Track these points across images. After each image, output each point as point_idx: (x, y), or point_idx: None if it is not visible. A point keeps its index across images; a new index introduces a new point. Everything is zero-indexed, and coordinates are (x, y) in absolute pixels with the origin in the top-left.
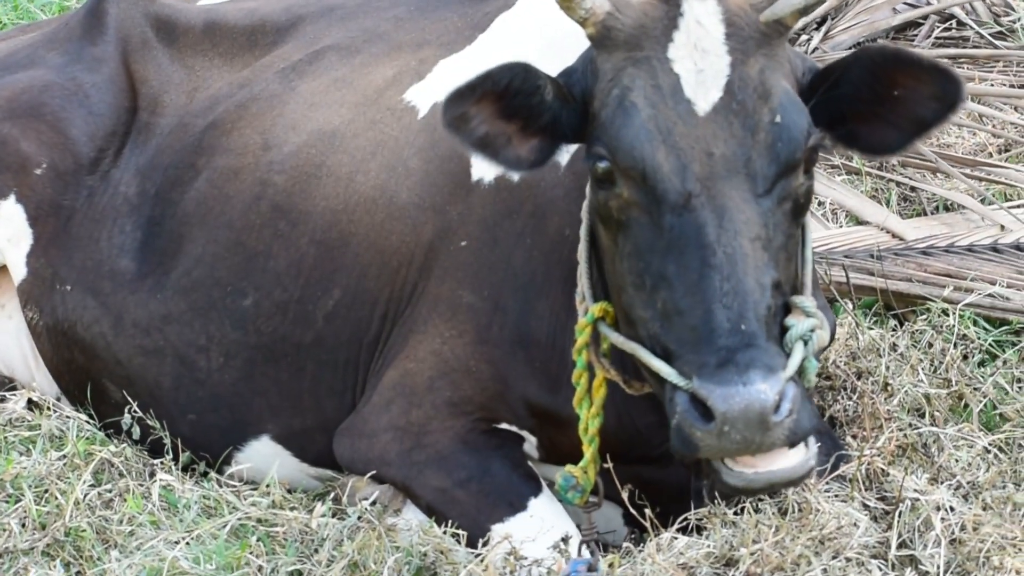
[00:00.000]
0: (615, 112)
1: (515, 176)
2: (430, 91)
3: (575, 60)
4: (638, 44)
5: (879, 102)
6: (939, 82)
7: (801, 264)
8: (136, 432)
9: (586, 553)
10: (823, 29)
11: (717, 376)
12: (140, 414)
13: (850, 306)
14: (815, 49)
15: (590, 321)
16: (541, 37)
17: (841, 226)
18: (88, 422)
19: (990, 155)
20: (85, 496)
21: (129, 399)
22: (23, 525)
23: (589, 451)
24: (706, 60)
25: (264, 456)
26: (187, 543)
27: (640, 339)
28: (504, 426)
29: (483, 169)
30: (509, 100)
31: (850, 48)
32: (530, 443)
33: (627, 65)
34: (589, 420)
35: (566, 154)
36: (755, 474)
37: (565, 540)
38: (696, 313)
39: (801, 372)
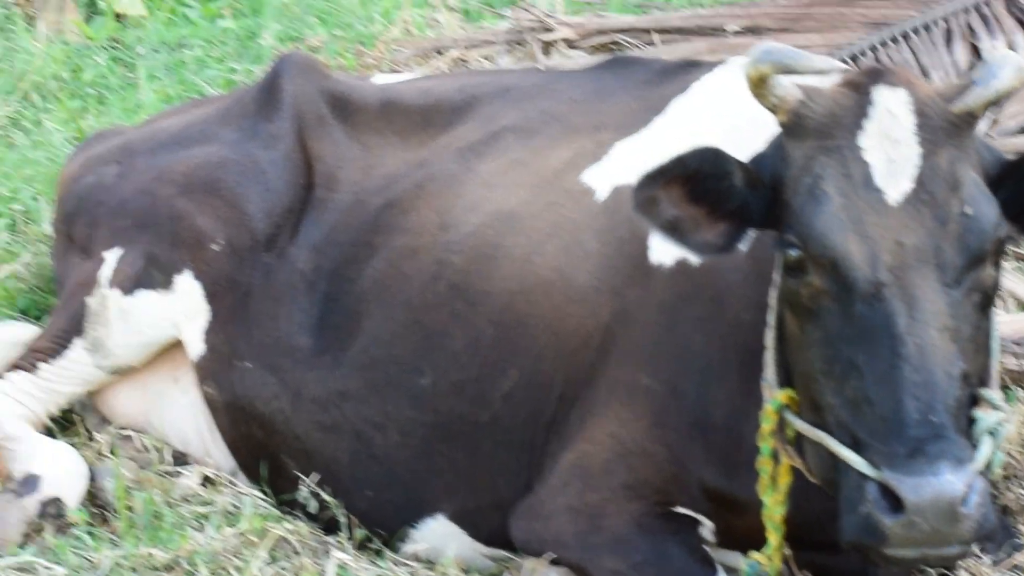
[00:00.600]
0: (806, 200)
1: (694, 260)
2: (608, 173)
3: (765, 146)
4: (829, 133)
5: None
6: None
7: (987, 356)
8: (313, 506)
9: None
10: (990, 115)
11: (907, 467)
12: (316, 489)
13: (1022, 394)
14: (983, 135)
15: (776, 408)
16: (718, 122)
17: (1010, 313)
18: (263, 498)
19: None
20: (260, 574)
21: (306, 474)
22: None
23: (775, 538)
24: (897, 150)
25: (439, 535)
26: None
27: (827, 427)
28: (681, 510)
29: (662, 253)
30: (699, 184)
31: (1017, 133)
32: (706, 527)
33: (818, 153)
34: (774, 507)
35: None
36: None
37: None
38: (886, 403)
39: (987, 466)
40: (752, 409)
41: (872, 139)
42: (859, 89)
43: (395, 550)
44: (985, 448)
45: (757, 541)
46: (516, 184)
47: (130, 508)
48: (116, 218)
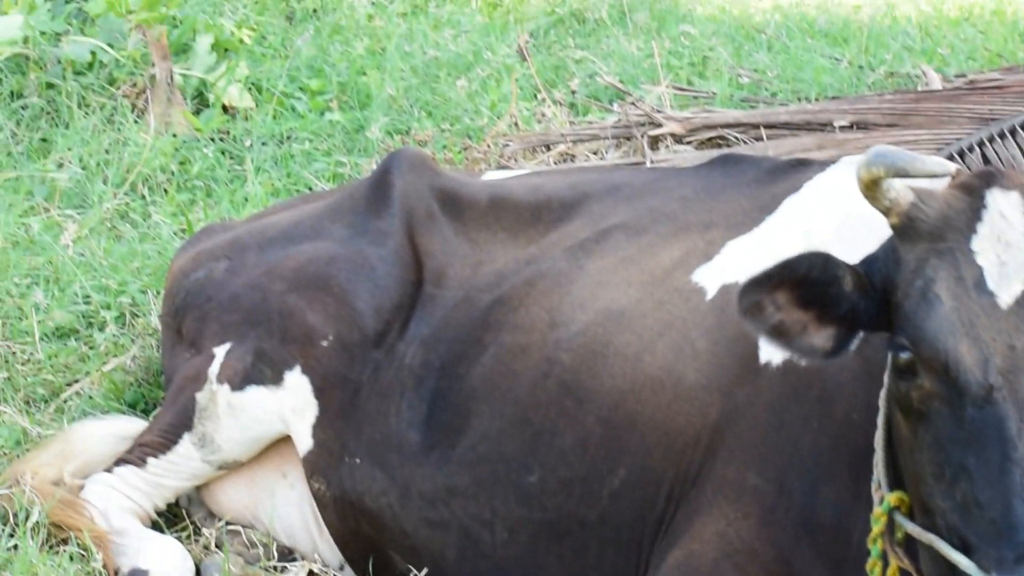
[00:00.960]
0: (918, 303)
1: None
2: (718, 272)
3: (876, 248)
4: (941, 235)
5: None
6: None
7: None
8: None
9: None
10: None
11: (1015, 571)
12: None
13: None
14: None
15: (886, 510)
16: (829, 222)
17: None
18: None
19: None
20: None
21: (414, 569)
22: None
23: None
24: (1009, 253)
25: None
26: None
27: (937, 530)
28: None
29: (771, 352)
30: (807, 289)
31: None
32: None
33: (930, 256)
34: None
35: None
36: None
37: None
38: (996, 507)
39: None
40: (860, 510)
41: (985, 242)
42: (972, 192)
43: None
44: None
45: None
46: (626, 282)
47: None
48: (226, 313)
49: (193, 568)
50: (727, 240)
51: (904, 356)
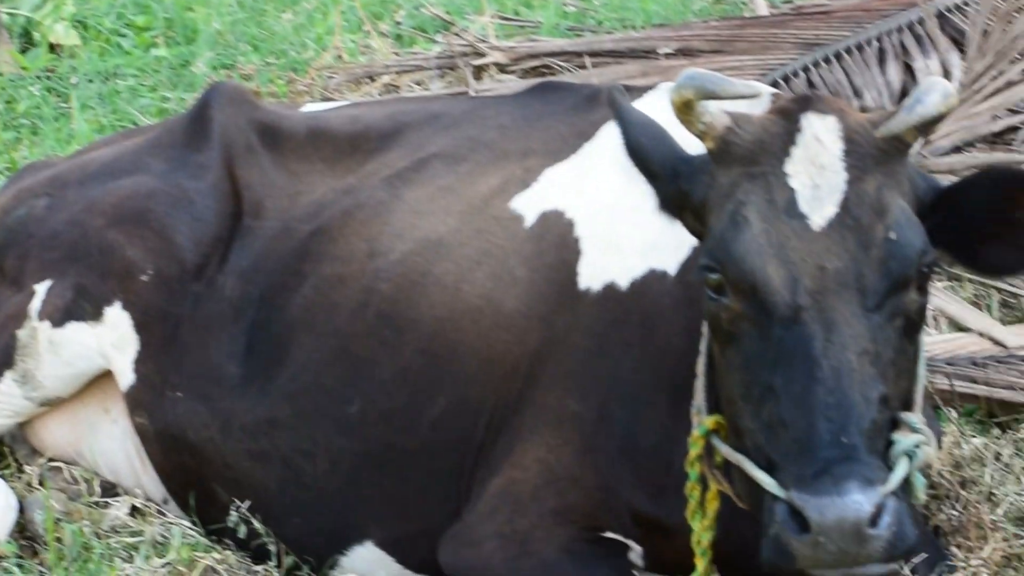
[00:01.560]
0: (728, 225)
1: (623, 285)
2: (536, 200)
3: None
4: (755, 160)
5: (1001, 223)
6: None
7: (912, 380)
8: (243, 532)
9: None
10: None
11: (813, 487)
12: (247, 515)
13: (954, 414)
14: (916, 154)
15: (703, 434)
16: None
17: (943, 333)
18: (191, 528)
19: None
20: None
21: (237, 501)
22: None
23: (702, 564)
24: (823, 176)
25: (368, 562)
26: None
27: (746, 451)
28: (610, 535)
29: (590, 278)
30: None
31: (949, 152)
32: (635, 552)
33: (743, 180)
34: (702, 533)
35: (674, 264)
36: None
37: None
38: (799, 426)
39: (909, 489)
40: (682, 435)
41: (798, 165)
42: (788, 116)
43: None
44: (900, 470)
45: (686, 566)
46: (444, 211)
47: (59, 540)
48: (46, 250)
49: (16, 505)
50: (545, 167)
51: (713, 277)
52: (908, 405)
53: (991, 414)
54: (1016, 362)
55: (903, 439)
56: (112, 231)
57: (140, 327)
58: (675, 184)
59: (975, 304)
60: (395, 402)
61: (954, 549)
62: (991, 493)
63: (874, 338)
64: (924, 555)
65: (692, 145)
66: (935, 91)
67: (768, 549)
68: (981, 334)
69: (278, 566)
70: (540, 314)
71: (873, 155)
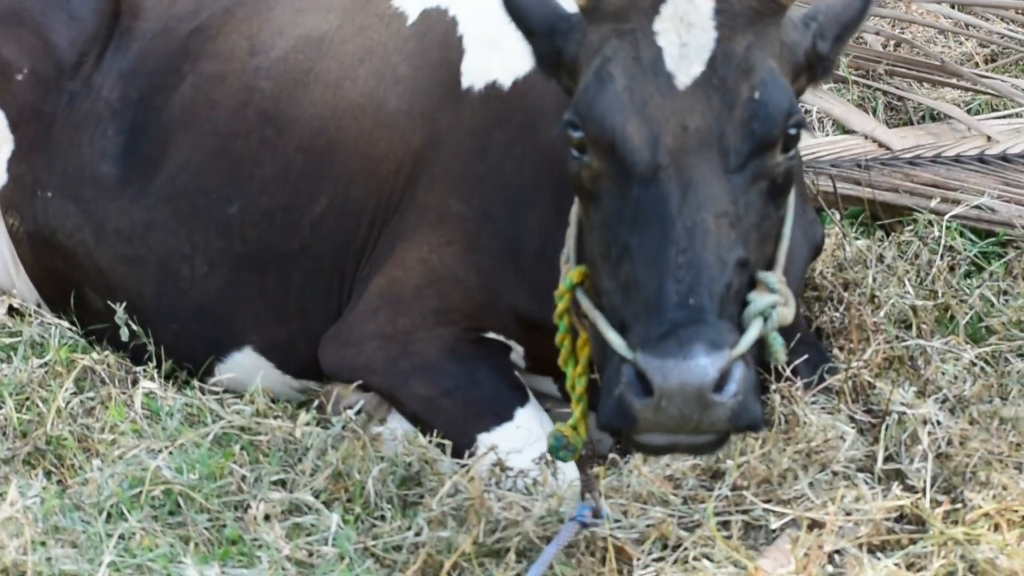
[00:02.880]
0: (591, 82)
1: (505, 85)
2: None
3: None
4: (625, 16)
5: None
6: None
7: (776, 244)
8: (125, 334)
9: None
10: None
11: (658, 349)
12: (126, 316)
13: (837, 216)
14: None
15: (568, 287)
16: None
17: (828, 135)
18: (70, 329)
19: (976, 65)
20: (67, 404)
21: (112, 306)
22: (3, 434)
23: (578, 409)
24: (691, 34)
25: (246, 368)
26: (170, 452)
27: (603, 310)
28: (492, 335)
29: (473, 77)
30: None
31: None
32: (517, 353)
33: (611, 37)
34: (576, 379)
35: None
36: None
37: (552, 451)
38: (650, 286)
39: (767, 349)
40: (564, 236)
41: (667, 23)
42: None
43: (203, 383)
44: (752, 332)
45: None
46: (326, 8)
47: None
48: None
49: None
50: None
51: (576, 135)
52: (770, 267)
53: (875, 217)
54: (901, 165)
55: (758, 299)
56: None
57: (14, 126)
58: (551, 41)
59: (860, 107)
60: (276, 202)
61: (836, 351)
62: (873, 295)
63: (734, 200)
64: (806, 356)
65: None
66: None
67: (609, 410)
68: (866, 136)
69: (158, 367)
70: (423, 113)
71: (745, 15)
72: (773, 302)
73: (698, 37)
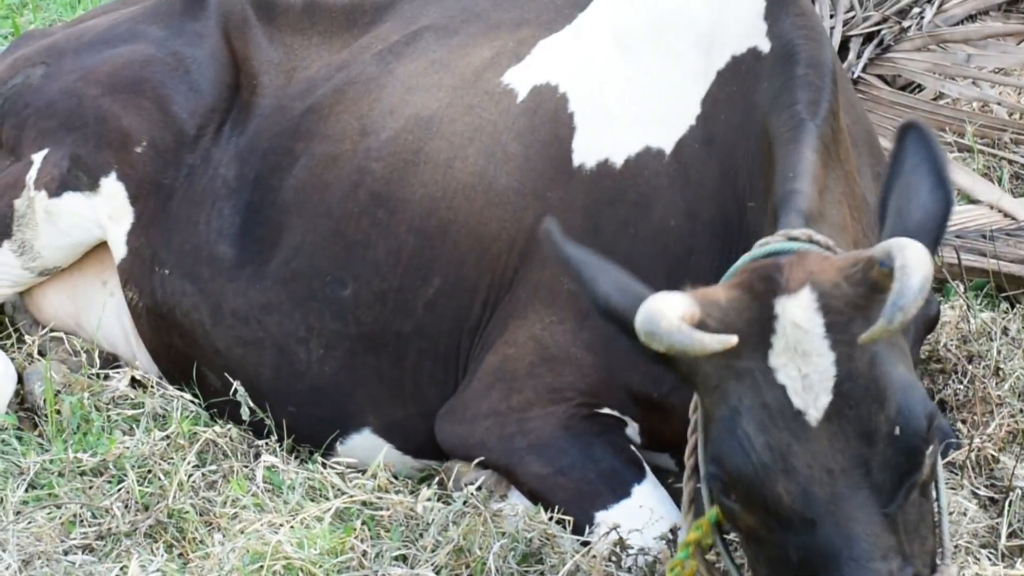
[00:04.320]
0: (727, 439)
1: (618, 163)
2: (529, 73)
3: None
4: (737, 352)
5: None
6: None
7: (935, 530)
8: (245, 412)
9: None
10: (936, 2)
11: None
12: (245, 393)
13: (961, 288)
14: (928, 23)
15: (712, 521)
16: (643, 15)
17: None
18: (192, 402)
19: None
20: (189, 477)
21: (231, 381)
22: (126, 506)
23: None
24: (809, 363)
25: (366, 449)
26: (291, 527)
27: None
28: (606, 411)
29: (584, 154)
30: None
31: (961, 22)
32: (632, 428)
33: (730, 376)
34: None
35: (670, 141)
36: None
37: (674, 532)
38: None
39: None
40: None
41: (782, 357)
42: (758, 298)
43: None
44: None
45: (684, 442)
46: (436, 86)
47: (59, 412)
48: (43, 119)
49: (15, 375)
50: (538, 39)
51: (721, 485)
52: (935, 555)
53: (1000, 288)
54: None
55: None
56: (107, 99)
57: (134, 199)
58: None
59: (985, 176)
60: (389, 284)
61: (960, 425)
62: (998, 368)
63: (895, 529)
64: None
65: None
66: (912, 287)
67: None
68: (991, 206)
69: (279, 441)
70: (534, 190)
71: (855, 318)
72: None
73: (816, 365)
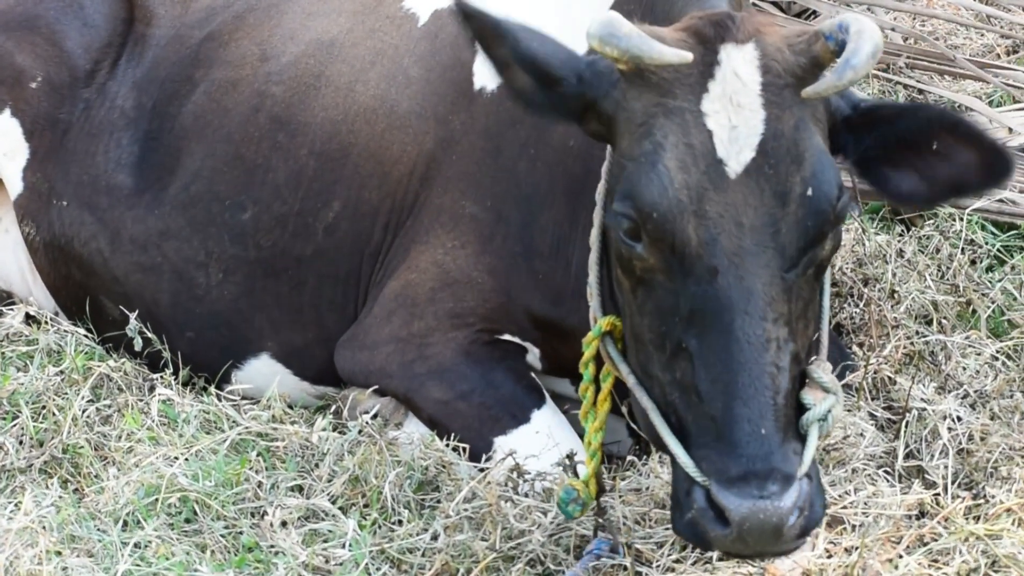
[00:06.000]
0: (645, 171)
1: None
2: None
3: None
4: (671, 91)
5: (919, 157)
6: (992, 158)
7: (819, 324)
8: (138, 343)
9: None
10: None
11: (736, 487)
12: (141, 325)
13: (857, 212)
14: None
15: (597, 335)
16: None
17: None
18: (87, 336)
19: (998, 56)
20: (83, 412)
21: (128, 314)
22: (20, 442)
23: (591, 465)
24: (740, 115)
25: (263, 375)
26: (186, 459)
27: (653, 396)
28: (507, 337)
29: (485, 78)
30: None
31: None
32: (533, 354)
33: (659, 113)
34: (592, 434)
35: None
36: None
37: (570, 458)
38: (716, 404)
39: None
40: (578, 237)
41: (716, 103)
42: (705, 43)
43: (220, 390)
44: (812, 443)
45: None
46: (337, 12)
47: None
48: None
49: None
50: None
51: (628, 224)
52: (816, 350)
53: (895, 212)
54: None
55: (815, 406)
56: (1, 38)
57: (29, 135)
58: (578, 89)
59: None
60: (289, 207)
61: (856, 348)
62: (893, 291)
63: (789, 298)
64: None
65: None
66: (864, 50)
67: (683, 526)
68: None
69: (175, 375)
70: (435, 114)
71: (791, 85)
72: (830, 406)
73: (747, 119)
